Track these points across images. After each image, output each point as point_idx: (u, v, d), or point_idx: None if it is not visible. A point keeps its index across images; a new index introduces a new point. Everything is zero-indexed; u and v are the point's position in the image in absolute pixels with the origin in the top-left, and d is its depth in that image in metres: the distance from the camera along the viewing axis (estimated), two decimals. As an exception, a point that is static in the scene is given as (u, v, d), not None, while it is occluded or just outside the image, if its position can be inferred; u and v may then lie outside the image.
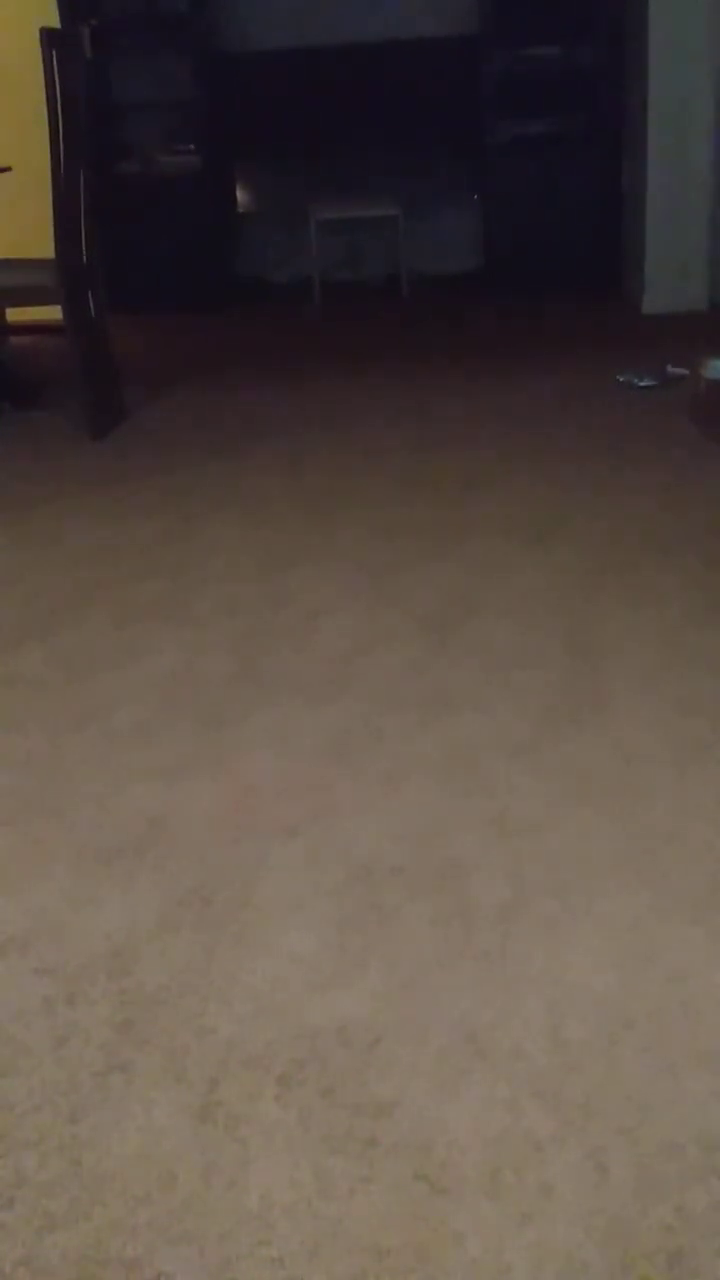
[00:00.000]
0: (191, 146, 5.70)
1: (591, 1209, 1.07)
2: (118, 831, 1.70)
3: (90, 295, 3.81)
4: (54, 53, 3.36)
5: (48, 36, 3.35)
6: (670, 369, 4.00)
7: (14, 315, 4.40)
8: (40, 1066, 1.28)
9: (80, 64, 3.59)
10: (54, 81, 3.37)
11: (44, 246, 3.57)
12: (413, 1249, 1.04)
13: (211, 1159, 1.15)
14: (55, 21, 5.28)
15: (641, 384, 3.96)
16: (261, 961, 1.41)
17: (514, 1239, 1.05)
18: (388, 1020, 1.31)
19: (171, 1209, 1.10)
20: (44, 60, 3.33)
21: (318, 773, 1.82)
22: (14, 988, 1.40)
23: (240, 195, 6.26)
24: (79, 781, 1.84)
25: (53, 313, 3.66)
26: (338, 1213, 1.08)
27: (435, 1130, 1.16)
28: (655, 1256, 1.02)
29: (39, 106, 3.40)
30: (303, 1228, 1.07)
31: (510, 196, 5.67)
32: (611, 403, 3.83)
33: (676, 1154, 1.12)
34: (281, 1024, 1.31)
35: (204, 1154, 1.16)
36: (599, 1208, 1.07)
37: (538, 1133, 1.15)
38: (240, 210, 6.26)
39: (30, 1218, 1.10)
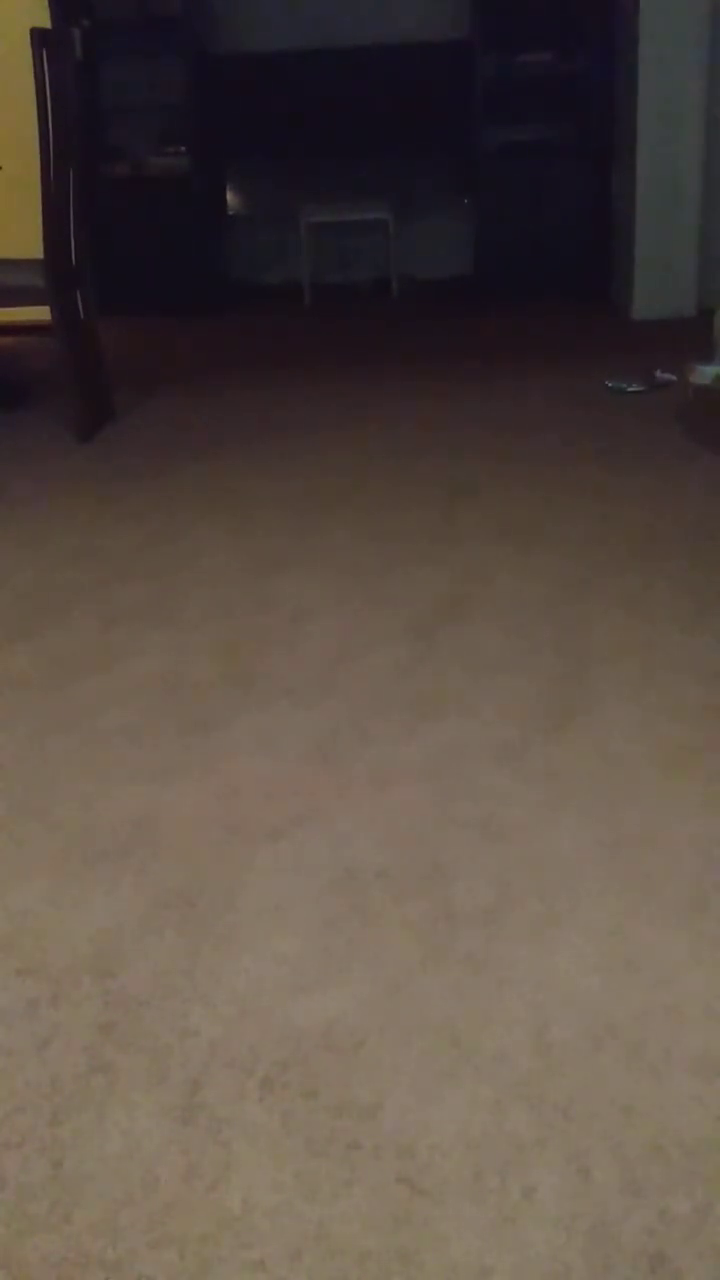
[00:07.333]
0: (182, 148, 5.70)
1: (574, 1212, 1.07)
2: (102, 833, 1.69)
3: (79, 296, 3.81)
4: (44, 53, 3.36)
5: (38, 37, 3.35)
6: (659, 374, 4.01)
7: (1, 316, 4.39)
8: (23, 1068, 1.27)
9: (71, 65, 3.59)
10: (44, 82, 3.37)
11: (33, 247, 3.57)
12: (395, 1252, 1.04)
13: (193, 1161, 1.15)
14: (46, 22, 5.28)
15: (630, 389, 3.97)
16: (245, 964, 1.41)
17: (496, 1242, 1.05)
18: (371, 1023, 1.31)
19: (153, 1211, 1.09)
20: (34, 60, 3.33)
21: (303, 776, 1.82)
22: (-3, 989, 1.39)
23: (231, 197, 6.26)
24: (64, 783, 1.83)
25: (41, 313, 3.65)
26: (320, 1215, 1.08)
27: (418, 1133, 1.16)
28: (637, 1260, 1.02)
29: (29, 107, 3.40)
30: (285, 1230, 1.07)
31: (501, 202, 5.69)
32: (600, 408, 3.84)
33: (659, 1157, 1.12)
34: (265, 1026, 1.31)
35: (186, 1156, 1.15)
36: (581, 1211, 1.07)
37: (520, 1136, 1.15)
38: (230, 212, 6.26)
39: (10, 1220, 1.09)
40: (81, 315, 3.83)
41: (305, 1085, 1.23)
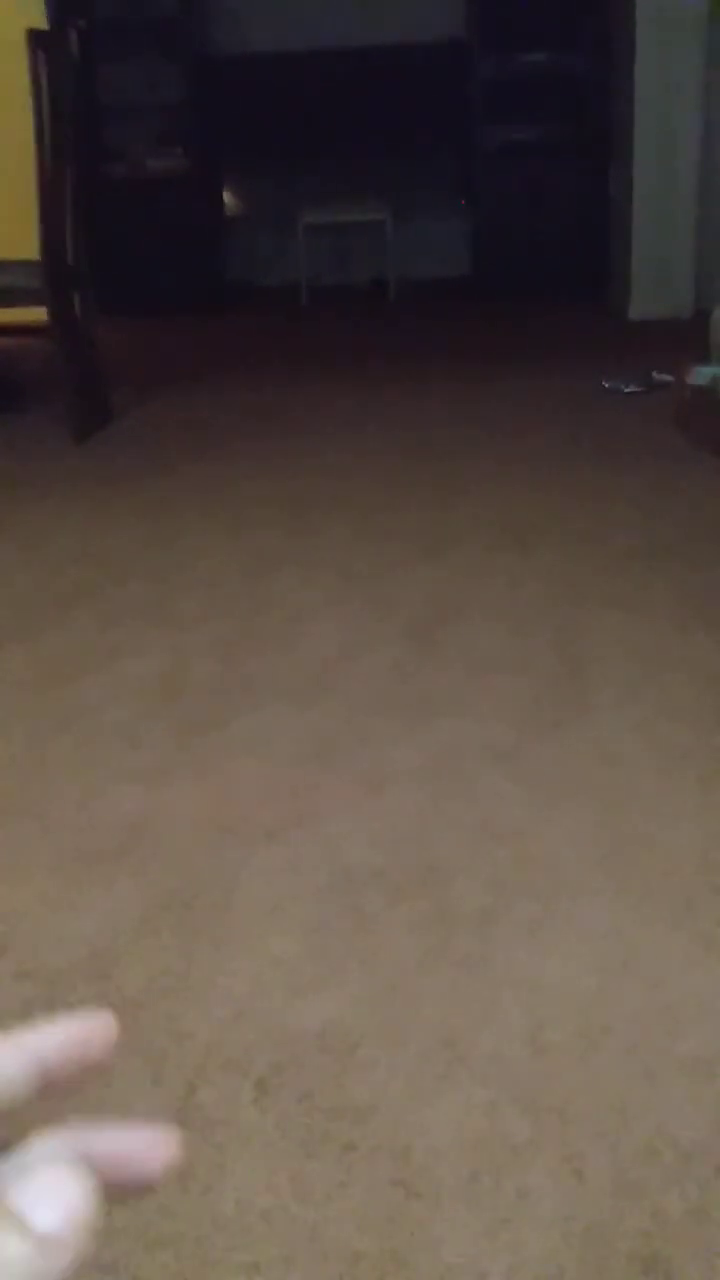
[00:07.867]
0: (180, 149, 5.70)
1: (568, 1214, 1.07)
2: (99, 834, 1.69)
3: (76, 297, 3.80)
4: (41, 54, 3.35)
5: (35, 38, 3.35)
6: (655, 375, 4.01)
7: None
8: (18, 1070, 1.27)
9: (68, 65, 3.59)
10: (41, 83, 3.37)
11: (30, 248, 3.57)
12: (389, 1254, 1.04)
13: (188, 1163, 1.14)
14: (43, 22, 5.27)
15: (627, 390, 3.97)
16: (241, 965, 1.41)
17: (490, 1244, 1.04)
18: (367, 1024, 1.31)
19: (147, 1214, 1.09)
20: (31, 62, 3.33)
21: (300, 777, 1.82)
22: (-8, 991, 1.39)
23: (228, 198, 6.26)
24: (61, 784, 1.83)
25: (39, 314, 3.65)
26: (314, 1217, 1.08)
27: (413, 1135, 1.16)
28: (632, 1262, 1.02)
29: (26, 108, 3.40)
30: (279, 1232, 1.07)
31: (498, 202, 5.69)
32: (597, 408, 3.84)
33: (653, 1159, 1.12)
34: (260, 1028, 1.31)
35: (180, 1158, 1.15)
36: (576, 1213, 1.07)
37: (515, 1137, 1.15)
38: (228, 213, 6.26)
39: (6, 1222, 1.09)
40: (79, 316, 3.83)
41: (300, 1087, 1.23)
